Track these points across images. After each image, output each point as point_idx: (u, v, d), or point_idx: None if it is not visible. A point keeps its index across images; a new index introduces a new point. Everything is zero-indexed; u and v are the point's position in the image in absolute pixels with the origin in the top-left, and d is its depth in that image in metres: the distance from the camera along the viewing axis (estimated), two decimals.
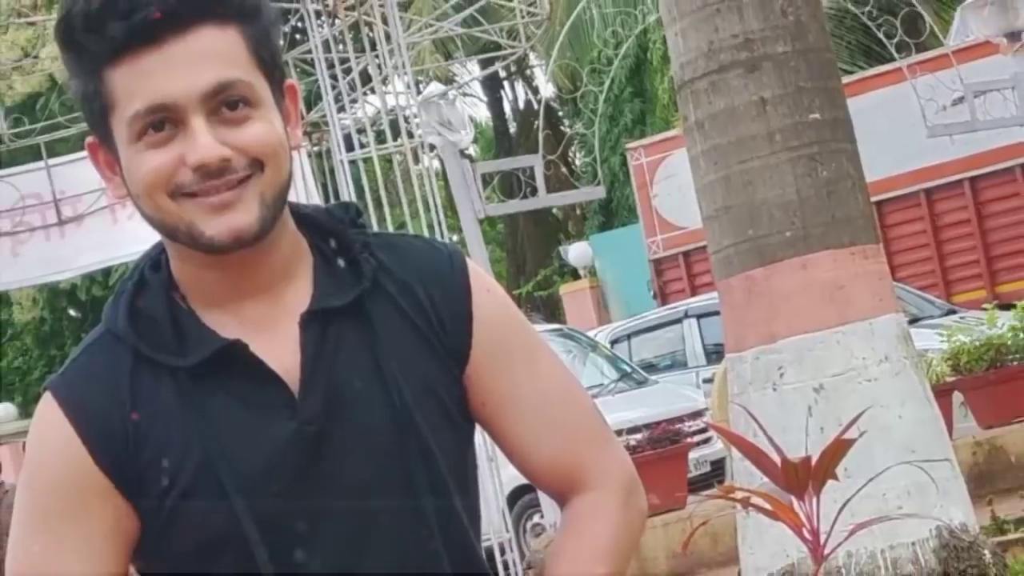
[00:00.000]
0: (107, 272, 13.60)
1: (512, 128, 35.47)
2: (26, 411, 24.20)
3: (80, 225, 11.38)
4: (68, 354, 2.24)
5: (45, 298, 28.60)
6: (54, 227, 11.56)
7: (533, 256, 32.31)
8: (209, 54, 2.00)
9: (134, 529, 2.09)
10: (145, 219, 2.08)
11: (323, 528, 2.10)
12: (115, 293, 2.16)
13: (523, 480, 2.28)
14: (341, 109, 9.23)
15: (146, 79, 1.98)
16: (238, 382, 2.07)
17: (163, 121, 1.99)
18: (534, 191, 12.52)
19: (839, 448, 4.20)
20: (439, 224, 9.15)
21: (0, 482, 18.99)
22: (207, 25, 2.00)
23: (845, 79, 7.69)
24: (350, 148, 9.17)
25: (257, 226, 2.02)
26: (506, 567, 8.74)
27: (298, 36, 9.15)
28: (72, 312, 28.86)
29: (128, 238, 8.14)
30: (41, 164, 11.79)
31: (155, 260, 2.14)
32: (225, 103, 2.00)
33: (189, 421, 2.06)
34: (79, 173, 10.87)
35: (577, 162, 26.59)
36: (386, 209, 9.10)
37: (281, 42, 2.16)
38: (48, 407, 2.09)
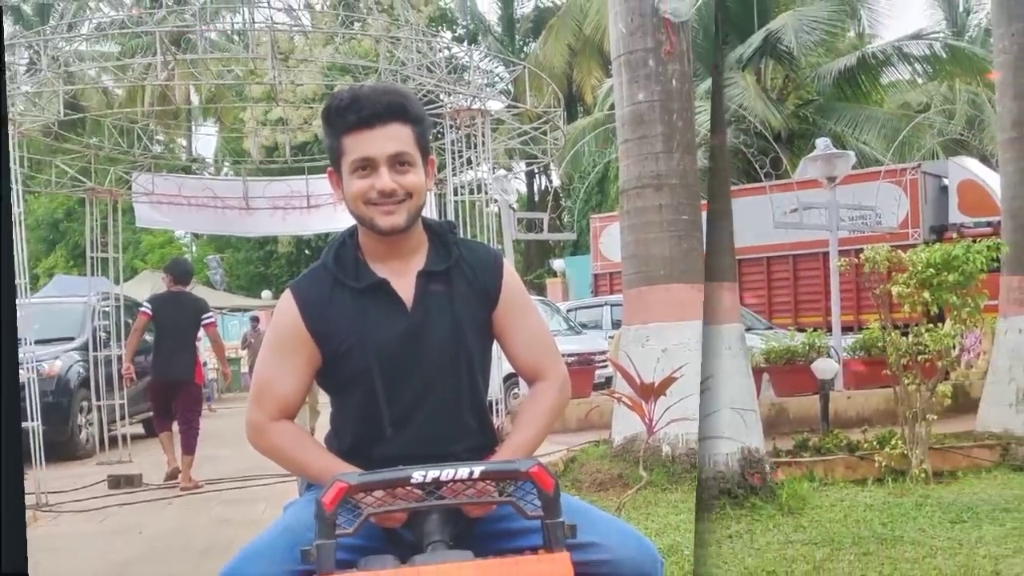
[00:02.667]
0: (327, 234, 13.88)
1: (536, 197, 36.25)
2: (275, 295, 24.79)
3: (318, 210, 11.76)
4: (301, 271, 2.40)
5: (295, 242, 29.26)
6: (305, 209, 11.91)
7: (536, 262, 32.61)
8: (394, 137, 2.16)
9: (318, 362, 2.22)
10: (350, 213, 2.25)
11: (410, 379, 2.20)
12: (328, 245, 2.34)
13: (512, 370, 2.41)
14: (454, 175, 9.62)
15: (361, 144, 2.16)
16: (382, 299, 2.21)
17: (365, 166, 2.16)
18: (541, 230, 13.63)
19: (667, 382, 4.43)
20: (492, 239, 9.50)
21: (259, 329, 19.57)
22: (396, 122, 2.16)
23: (734, 188, 8.08)
24: (455, 195, 9.51)
25: (403, 224, 2.19)
26: (497, 413, 9.19)
27: (440, 135, 9.43)
28: (307, 251, 29.25)
29: (340, 219, 8.48)
30: (303, 177, 12.00)
31: (352, 232, 2.30)
32: (398, 162, 2.16)
33: (355, 314, 2.20)
34: (321, 183, 11.37)
35: (565, 219, 27.22)
36: (467, 228, 9.30)
37: (430, 136, 2.26)
38: (287, 296, 2.26)
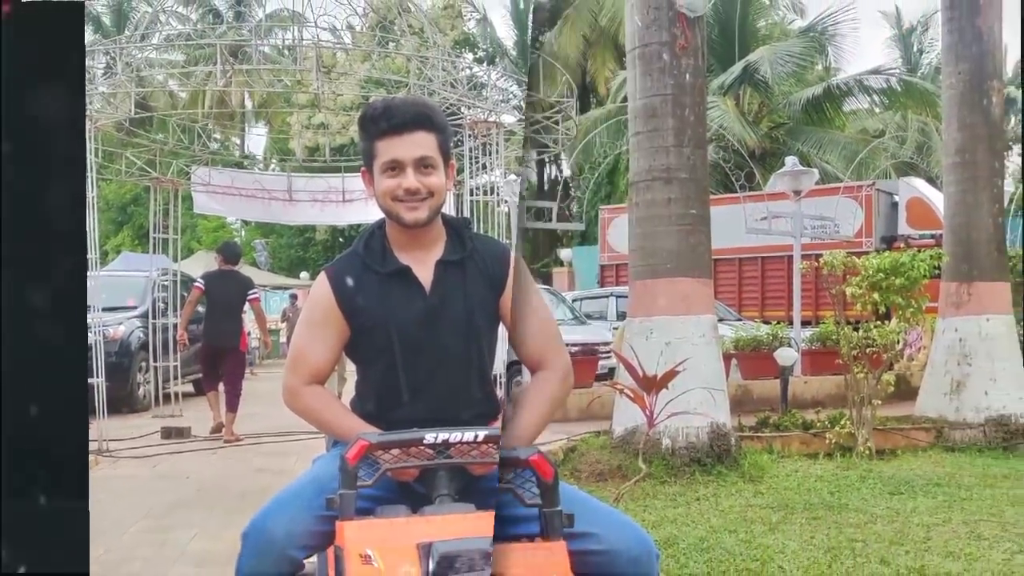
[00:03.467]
0: (359, 225, 13.75)
1: (546, 186, 35.08)
2: (312, 276, 24.61)
3: (352, 203, 11.52)
4: (335, 256, 2.35)
5: (330, 231, 28.81)
6: (340, 202, 11.71)
7: (544, 251, 31.70)
8: (420, 143, 2.11)
9: (346, 335, 2.17)
10: (379, 207, 2.19)
11: (427, 354, 2.14)
12: (360, 234, 2.28)
13: (515, 357, 2.30)
14: (471, 178, 9.47)
15: (391, 148, 2.11)
16: (404, 283, 2.16)
17: (394, 167, 2.11)
18: (550, 220, 12.79)
19: (670, 375, 4.21)
20: (502, 233, 9.35)
21: (297, 305, 19.57)
22: (422, 130, 2.11)
23: (712, 197, 7.36)
24: (471, 195, 9.36)
25: (425, 219, 2.13)
26: (500, 386, 8.95)
27: (460, 143, 9.27)
28: (341, 239, 28.91)
29: (371, 212, 8.35)
30: (340, 175, 11.89)
31: (380, 224, 2.23)
32: (423, 165, 2.11)
33: (380, 295, 2.15)
34: (355, 181, 11.12)
35: (574, 209, 26.30)
36: (482, 223, 9.19)
37: (451, 143, 2.22)
38: (322, 277, 2.21)
